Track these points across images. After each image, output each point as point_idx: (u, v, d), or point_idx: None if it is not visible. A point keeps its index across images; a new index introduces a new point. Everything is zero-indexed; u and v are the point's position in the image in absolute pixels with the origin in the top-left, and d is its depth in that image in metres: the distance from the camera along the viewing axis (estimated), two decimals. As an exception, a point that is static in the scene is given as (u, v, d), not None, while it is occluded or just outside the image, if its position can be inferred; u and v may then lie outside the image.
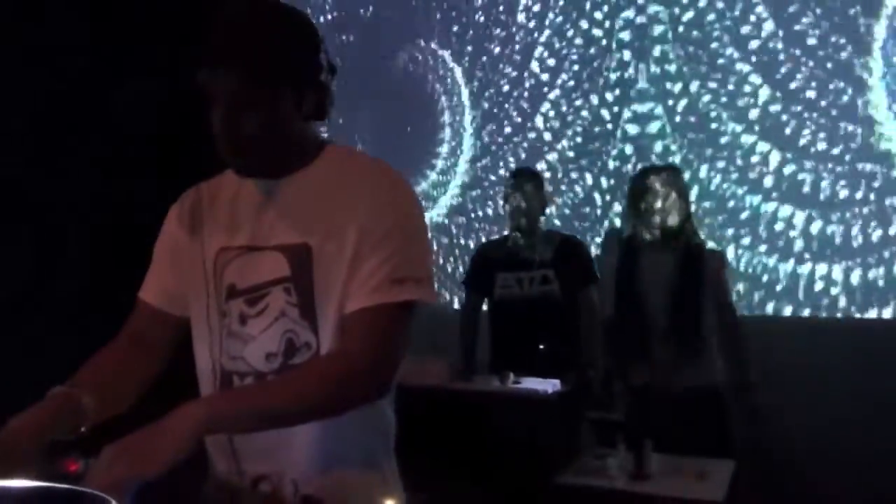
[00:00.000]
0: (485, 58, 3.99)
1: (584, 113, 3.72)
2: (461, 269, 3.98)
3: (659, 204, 2.51)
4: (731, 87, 3.36)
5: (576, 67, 3.73)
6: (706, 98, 3.41)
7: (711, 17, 3.41)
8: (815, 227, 3.15)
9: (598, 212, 3.70)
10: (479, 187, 4.05)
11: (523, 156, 3.87)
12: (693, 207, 2.68)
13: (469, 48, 4.04)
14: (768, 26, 3.29)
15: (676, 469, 2.18)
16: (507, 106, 3.93)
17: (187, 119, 1.60)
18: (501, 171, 3.90)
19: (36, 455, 1.00)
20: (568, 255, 3.04)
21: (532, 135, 3.86)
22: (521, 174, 3.16)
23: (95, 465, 0.95)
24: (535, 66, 3.84)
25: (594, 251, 3.33)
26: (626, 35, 3.59)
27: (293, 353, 1.14)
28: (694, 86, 3.44)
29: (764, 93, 3.29)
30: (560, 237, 3.18)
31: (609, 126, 3.64)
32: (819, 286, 3.15)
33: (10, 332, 2.97)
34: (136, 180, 3.42)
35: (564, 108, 3.77)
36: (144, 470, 0.91)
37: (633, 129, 3.57)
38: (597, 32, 3.68)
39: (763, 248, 3.28)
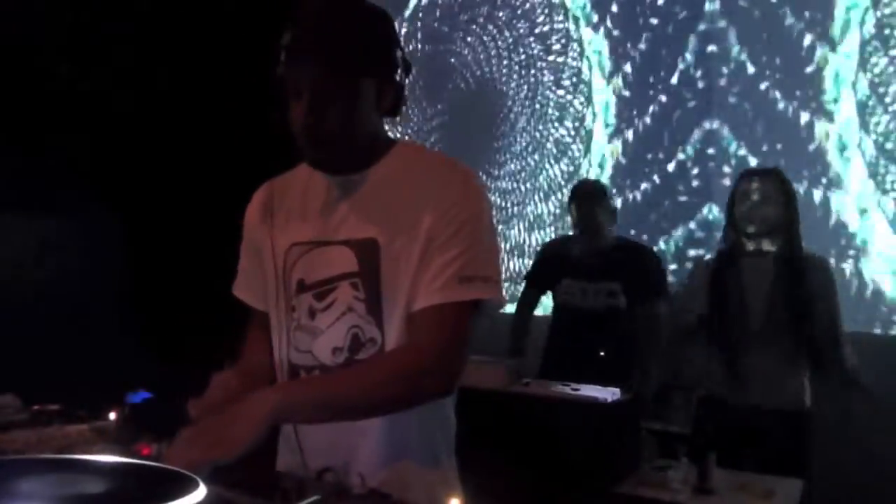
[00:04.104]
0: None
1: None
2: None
3: (754, 208, 2.39)
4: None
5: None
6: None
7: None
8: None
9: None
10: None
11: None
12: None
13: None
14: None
15: (742, 486, 2.10)
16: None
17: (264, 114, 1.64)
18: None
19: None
20: (636, 267, 2.93)
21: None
22: (581, 188, 3.07)
23: (171, 447, 0.98)
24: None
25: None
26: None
27: (358, 349, 1.15)
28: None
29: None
30: (630, 247, 3.06)
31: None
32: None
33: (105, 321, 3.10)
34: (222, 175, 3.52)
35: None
36: (218, 454, 0.94)
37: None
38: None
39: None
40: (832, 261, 2.78)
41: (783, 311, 2.35)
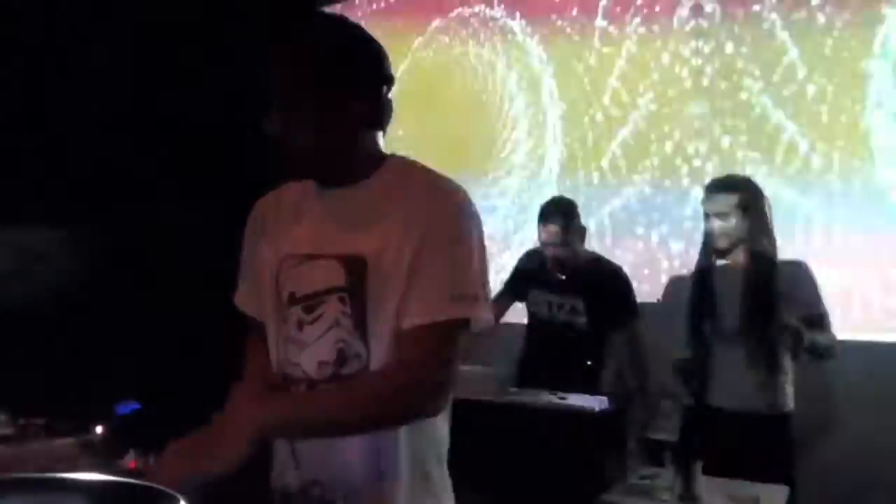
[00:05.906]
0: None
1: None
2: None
3: (718, 225, 2.43)
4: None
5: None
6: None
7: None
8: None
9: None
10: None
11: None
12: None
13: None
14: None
15: (727, 493, 2.11)
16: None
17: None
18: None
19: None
20: (601, 287, 2.97)
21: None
22: (548, 206, 3.07)
23: (158, 462, 0.98)
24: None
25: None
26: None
27: (344, 363, 1.15)
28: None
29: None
30: (595, 266, 3.06)
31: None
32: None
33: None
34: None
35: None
36: (206, 468, 0.94)
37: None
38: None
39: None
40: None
41: (755, 318, 2.39)
